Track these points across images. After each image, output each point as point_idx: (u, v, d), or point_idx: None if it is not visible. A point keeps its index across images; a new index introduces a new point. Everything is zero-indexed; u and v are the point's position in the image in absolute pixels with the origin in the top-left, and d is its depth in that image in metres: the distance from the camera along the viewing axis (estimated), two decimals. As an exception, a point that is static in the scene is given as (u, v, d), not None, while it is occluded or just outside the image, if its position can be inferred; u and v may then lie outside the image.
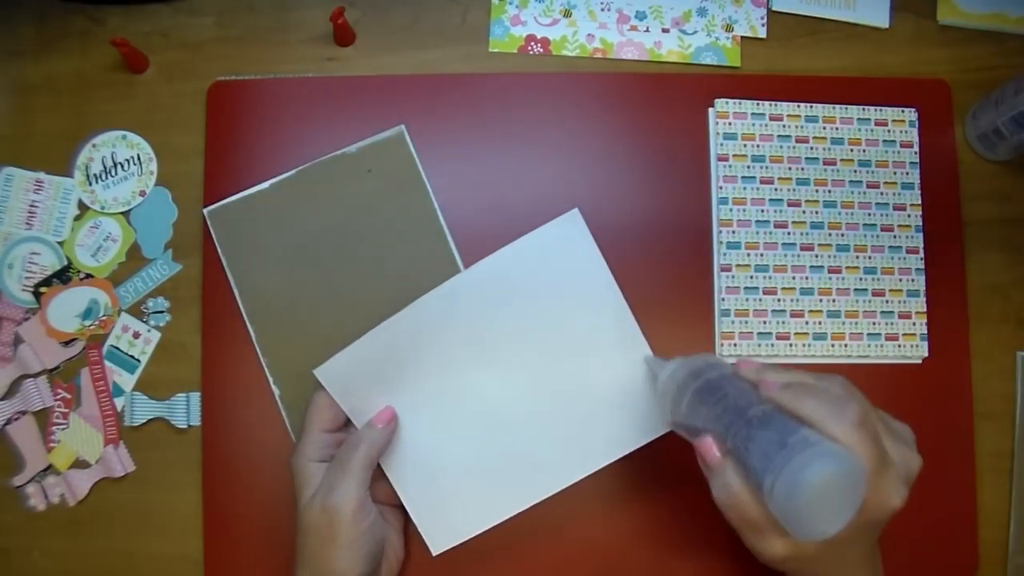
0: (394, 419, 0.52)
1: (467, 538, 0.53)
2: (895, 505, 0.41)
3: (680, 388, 0.47)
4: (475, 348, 0.53)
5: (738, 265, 0.59)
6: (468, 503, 0.53)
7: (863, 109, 0.61)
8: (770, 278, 0.59)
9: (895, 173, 0.60)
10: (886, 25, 0.63)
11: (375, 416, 0.52)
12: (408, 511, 0.53)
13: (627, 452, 0.52)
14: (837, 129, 0.61)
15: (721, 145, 0.60)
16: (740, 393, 0.44)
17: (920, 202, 0.60)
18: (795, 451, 0.37)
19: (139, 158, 0.60)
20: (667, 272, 0.59)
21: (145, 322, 0.59)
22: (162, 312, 0.59)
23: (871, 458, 0.40)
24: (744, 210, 0.60)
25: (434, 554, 0.53)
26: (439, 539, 0.53)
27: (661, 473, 0.58)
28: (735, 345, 0.58)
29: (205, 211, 0.58)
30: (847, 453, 0.39)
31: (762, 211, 0.60)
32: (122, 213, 0.60)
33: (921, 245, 0.60)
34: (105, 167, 0.60)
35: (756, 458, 0.39)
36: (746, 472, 0.41)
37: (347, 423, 0.53)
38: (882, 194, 0.60)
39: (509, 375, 0.53)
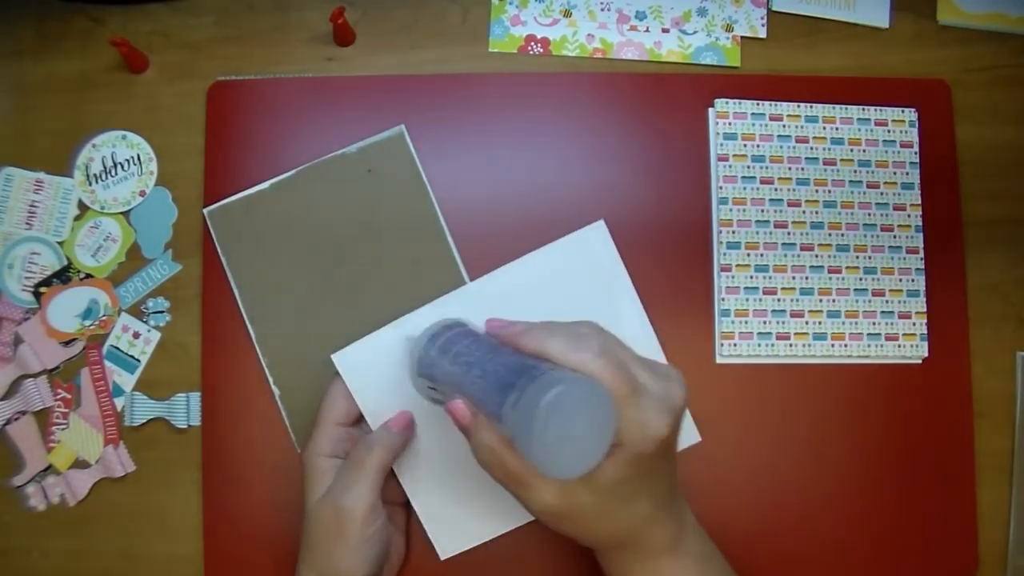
0: (411, 426, 0.52)
1: (475, 544, 0.53)
2: (659, 432, 0.39)
3: (423, 356, 0.46)
4: None
5: (738, 265, 0.59)
6: (478, 510, 0.53)
7: (863, 109, 0.61)
8: (770, 278, 0.59)
9: (895, 173, 0.60)
10: (886, 25, 0.63)
11: (392, 420, 0.51)
12: (418, 514, 0.53)
13: None
14: (837, 129, 0.61)
15: (721, 145, 0.60)
16: (479, 345, 0.42)
17: (920, 202, 0.60)
18: (530, 382, 0.36)
19: (139, 158, 0.60)
20: (667, 272, 0.59)
21: (145, 322, 0.59)
22: (162, 312, 0.59)
23: (616, 383, 0.38)
24: (744, 210, 0.60)
25: (442, 558, 0.53)
26: (447, 544, 0.53)
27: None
28: (735, 345, 0.58)
29: (205, 211, 0.58)
30: (582, 376, 0.37)
31: (762, 211, 0.60)
32: (122, 213, 0.60)
33: (921, 245, 0.60)
34: (105, 167, 0.60)
35: (495, 404, 0.38)
36: (493, 420, 0.39)
37: (361, 418, 0.53)
38: (882, 194, 0.60)
39: None
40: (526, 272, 0.54)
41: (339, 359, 0.52)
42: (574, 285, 0.55)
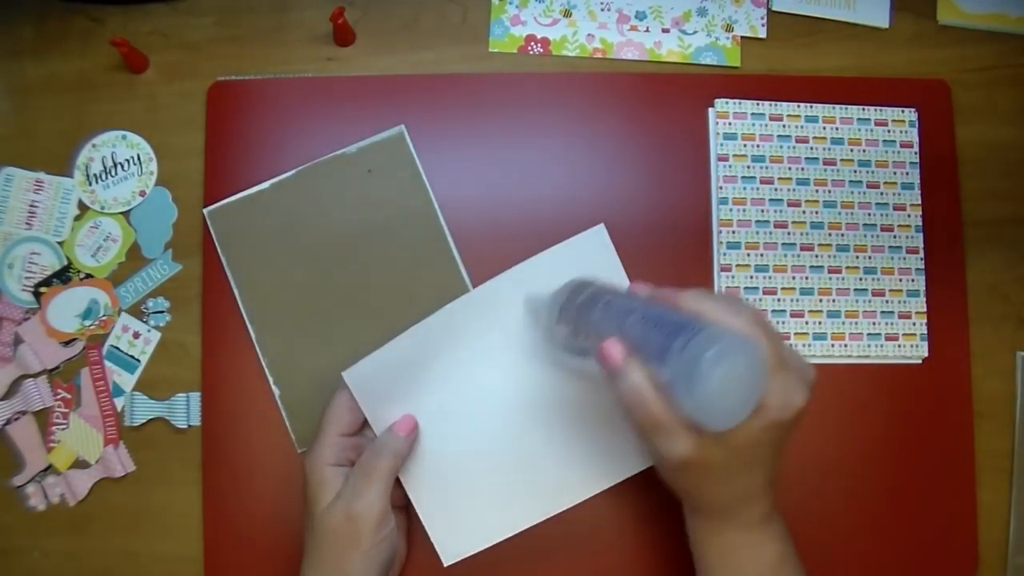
0: (415, 429, 0.52)
1: (479, 549, 0.53)
2: (799, 403, 0.41)
3: (566, 305, 0.48)
4: (496, 359, 0.53)
5: (738, 265, 0.59)
6: (481, 515, 0.53)
7: (863, 109, 0.61)
8: (770, 278, 0.59)
9: (895, 173, 0.60)
10: (886, 25, 0.63)
11: (397, 424, 0.51)
12: (422, 520, 0.53)
13: (638, 471, 0.53)
14: (837, 129, 0.61)
15: (721, 145, 0.60)
16: (631, 299, 0.45)
17: (920, 202, 0.60)
18: (696, 333, 0.38)
19: (139, 158, 0.60)
20: (667, 272, 0.59)
21: (145, 322, 0.59)
22: (162, 312, 0.59)
23: (770, 350, 0.40)
24: (744, 210, 0.59)
25: (445, 564, 0.53)
26: (451, 549, 0.53)
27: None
28: (735, 345, 0.58)
29: (205, 211, 0.58)
30: (747, 337, 0.39)
31: (762, 211, 0.60)
32: (122, 213, 0.60)
33: (921, 245, 0.60)
34: (105, 167, 0.60)
35: (657, 348, 0.39)
36: (649, 365, 0.41)
37: (363, 427, 0.53)
38: (882, 194, 0.60)
39: (526, 388, 0.54)
40: (527, 277, 0.54)
41: (349, 376, 0.51)
42: None
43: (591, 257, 0.55)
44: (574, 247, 0.55)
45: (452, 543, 0.53)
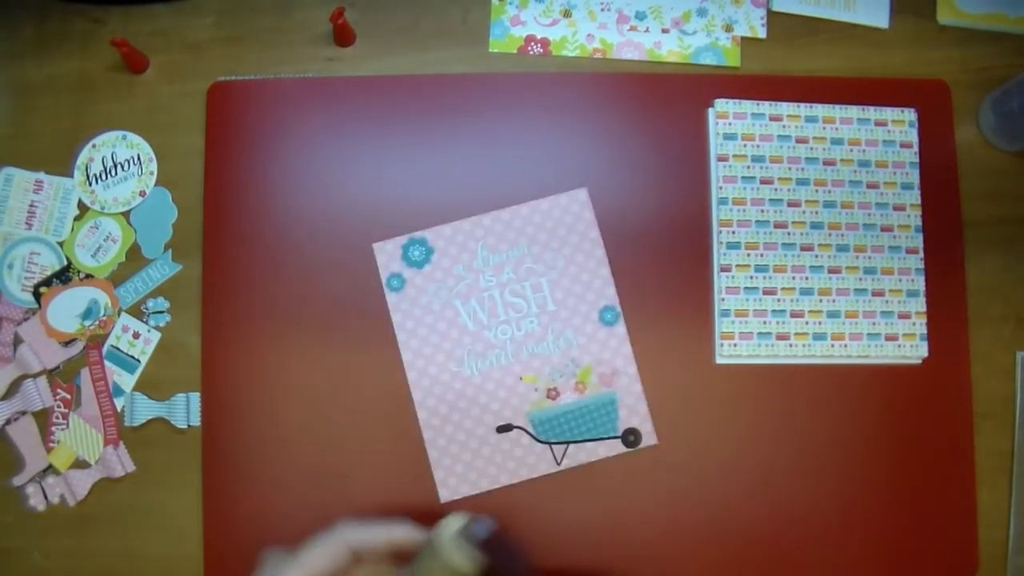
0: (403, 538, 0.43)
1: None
2: None
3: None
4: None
5: (738, 265, 0.59)
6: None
7: (863, 109, 0.61)
8: (770, 278, 0.59)
9: (895, 173, 0.60)
10: (886, 25, 0.63)
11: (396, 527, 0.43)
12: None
13: None
14: (837, 129, 0.61)
15: (721, 145, 0.60)
16: None
17: (920, 202, 0.60)
18: None
19: (139, 158, 0.60)
20: (667, 272, 0.59)
21: (145, 322, 0.59)
22: (162, 312, 0.59)
23: None
24: (744, 210, 0.60)
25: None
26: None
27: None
28: (735, 345, 0.58)
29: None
30: None
31: (762, 211, 0.60)
32: (122, 213, 0.60)
33: (921, 245, 0.60)
34: (105, 167, 0.60)
35: None
36: None
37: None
38: (882, 194, 0.60)
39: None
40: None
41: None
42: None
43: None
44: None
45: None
